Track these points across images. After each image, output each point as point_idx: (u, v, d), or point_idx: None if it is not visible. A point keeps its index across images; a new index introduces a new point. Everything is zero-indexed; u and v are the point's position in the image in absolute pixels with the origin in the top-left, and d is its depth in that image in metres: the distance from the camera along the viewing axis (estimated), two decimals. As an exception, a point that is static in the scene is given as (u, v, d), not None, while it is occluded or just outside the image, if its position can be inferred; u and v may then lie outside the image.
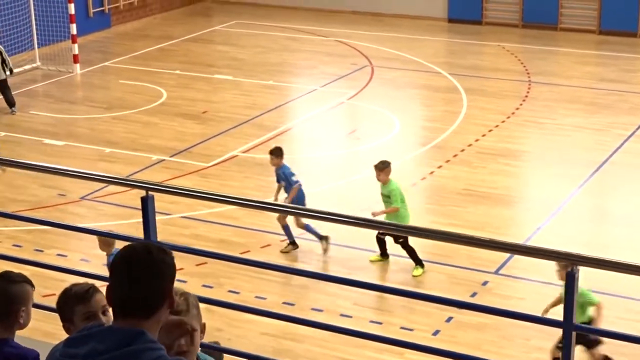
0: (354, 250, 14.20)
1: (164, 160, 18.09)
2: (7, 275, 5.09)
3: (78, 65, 24.48)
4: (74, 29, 24.49)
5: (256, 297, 12.79)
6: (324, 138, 19.38)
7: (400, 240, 13.50)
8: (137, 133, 19.63)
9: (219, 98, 21.97)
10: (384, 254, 13.97)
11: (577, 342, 5.66)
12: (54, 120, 20.72)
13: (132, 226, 14.56)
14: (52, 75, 24.18)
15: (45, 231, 14.69)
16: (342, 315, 12.35)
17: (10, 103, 21.21)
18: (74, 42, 24.44)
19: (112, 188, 16.27)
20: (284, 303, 12.54)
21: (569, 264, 4.89)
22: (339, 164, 18.03)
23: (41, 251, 14.12)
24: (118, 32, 28.66)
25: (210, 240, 14.57)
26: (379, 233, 13.72)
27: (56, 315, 7.02)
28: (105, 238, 12.33)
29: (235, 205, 13.98)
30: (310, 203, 14.72)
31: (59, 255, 14.12)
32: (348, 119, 20.93)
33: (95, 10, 28.08)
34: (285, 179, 14.51)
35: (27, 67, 24.54)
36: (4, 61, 21.04)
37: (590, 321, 10.51)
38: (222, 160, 17.98)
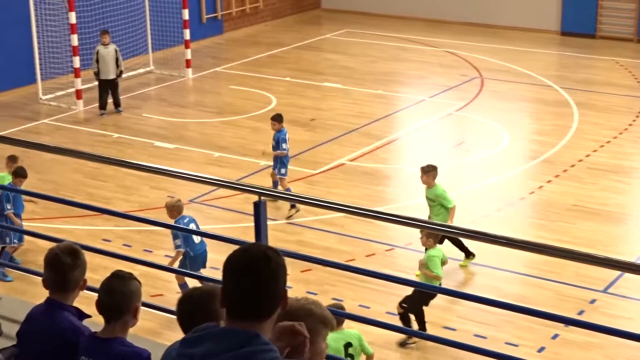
0: (459, 263, 14.08)
1: (271, 166, 18.20)
2: (121, 274, 5.17)
3: (190, 70, 24.87)
4: (187, 34, 24.89)
5: (360, 305, 12.78)
6: (431, 149, 19.28)
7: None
8: (245, 138, 19.83)
9: (328, 106, 22.05)
10: (469, 254, 13.91)
11: None
12: (165, 123, 21.07)
13: (238, 230, 14.70)
14: (164, 79, 24.61)
15: (154, 232, 14.94)
16: (445, 327, 12.26)
17: (117, 103, 21.73)
18: (187, 47, 24.84)
19: (220, 192, 16.47)
20: (388, 313, 12.49)
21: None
22: (446, 176, 17.87)
23: (150, 251, 14.36)
24: (230, 38, 29.01)
25: (315, 247, 14.62)
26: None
27: (162, 315, 7.11)
28: (178, 205, 12.59)
29: (343, 213, 14.02)
30: (416, 214, 14.64)
31: (166, 256, 14.32)
32: (456, 131, 20.79)
33: (208, 16, 28.48)
34: (277, 140, 16.06)
35: (141, 70, 25.03)
36: (117, 61, 21.52)
37: None
38: (329, 168, 18.03)
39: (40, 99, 22.72)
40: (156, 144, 19.61)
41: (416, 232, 13.93)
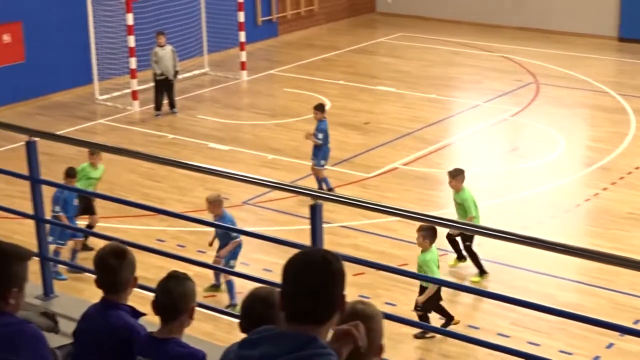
0: (514, 270, 13.97)
1: (325, 169, 18.21)
2: (177, 275, 5.19)
3: (245, 72, 24.98)
4: (242, 36, 25.01)
5: (412, 310, 12.72)
6: (485, 154, 19.18)
7: (467, 243, 13.72)
8: (299, 141, 19.82)
9: (382, 109, 22.02)
10: (461, 257, 14.08)
11: None
12: (219, 125, 21.18)
13: (291, 232, 14.71)
14: (219, 81, 24.74)
15: (208, 233, 14.97)
16: (499, 334, 12.17)
17: (172, 104, 21.89)
18: (242, 49, 24.96)
19: (273, 194, 16.50)
20: (441, 318, 12.43)
21: None
22: (500, 181, 17.79)
23: (203, 252, 14.41)
24: (284, 41, 29.09)
25: (369, 251, 14.59)
26: (449, 234, 13.89)
27: (214, 315, 7.12)
28: (219, 200, 13.07)
29: (397, 217, 14.00)
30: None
31: (218, 257, 14.35)
32: (510, 136, 20.65)
33: (263, 19, 28.58)
34: (318, 129, 16.63)
35: (196, 72, 25.18)
36: (174, 64, 21.69)
37: None
38: (382, 172, 18.00)
39: (97, 99, 22.96)
40: (210, 145, 19.71)
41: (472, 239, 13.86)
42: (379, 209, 6.03)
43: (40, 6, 22.71)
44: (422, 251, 12.25)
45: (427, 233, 12.31)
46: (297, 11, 29.81)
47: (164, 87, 21.73)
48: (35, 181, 7.39)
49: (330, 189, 16.58)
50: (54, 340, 6.02)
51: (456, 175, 14.00)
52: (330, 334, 3.71)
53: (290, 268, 3.61)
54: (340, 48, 28.02)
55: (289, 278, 3.59)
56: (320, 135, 16.70)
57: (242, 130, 20.92)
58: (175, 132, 20.65)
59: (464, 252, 13.94)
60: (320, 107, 17.09)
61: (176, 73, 21.90)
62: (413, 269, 13.53)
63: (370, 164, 18.41)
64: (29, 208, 8.01)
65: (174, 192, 17.19)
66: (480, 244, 13.93)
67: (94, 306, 5.49)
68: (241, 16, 24.99)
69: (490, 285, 13.63)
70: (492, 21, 30.29)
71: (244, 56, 24.98)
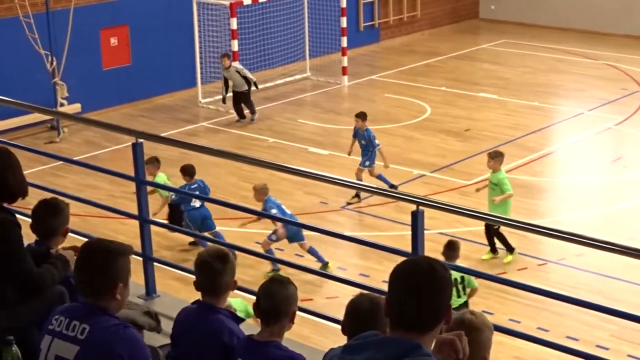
0: (616, 281, 13.74)
1: (424, 175, 18.20)
2: (280, 279, 5.23)
3: (346, 77, 25.06)
4: (344, 42, 25.11)
5: (509, 319, 12.63)
6: (588, 163, 18.89)
7: (496, 227, 14.51)
8: (399, 147, 19.83)
9: (483, 116, 21.85)
10: (494, 250, 14.78)
11: None
12: (320, 129, 21.29)
13: (390, 238, 14.72)
14: (320, 86, 24.87)
15: (306, 236, 15.07)
16: (597, 346, 11.98)
17: (252, 111, 21.95)
18: (343, 54, 25.06)
19: (372, 199, 16.52)
20: (538, 328, 12.30)
21: None
22: (601, 191, 17.52)
23: (301, 256, 14.51)
24: (386, 46, 29.09)
25: (467, 258, 14.48)
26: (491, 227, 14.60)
27: (311, 319, 7.19)
28: (264, 188, 14.06)
29: (498, 224, 13.90)
30: (570, 228, 14.36)
31: (317, 261, 14.46)
32: (614, 146, 20.31)
33: (365, 24, 28.63)
34: (369, 140, 17.22)
35: (298, 77, 25.36)
36: (245, 77, 21.74)
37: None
38: (482, 179, 17.83)
39: (200, 102, 23.29)
40: (310, 149, 19.83)
41: (571, 247, 13.66)
42: (479, 217, 6.01)
43: (146, 10, 23.15)
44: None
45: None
46: (400, 17, 29.78)
47: (239, 98, 21.84)
48: (140, 182, 7.54)
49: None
50: (156, 340, 6.14)
51: (495, 157, 14.92)
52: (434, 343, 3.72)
53: (397, 275, 3.63)
54: (442, 54, 27.91)
55: (396, 285, 3.61)
56: (377, 141, 17.33)
57: (342, 135, 20.95)
58: (275, 136, 20.83)
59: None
60: (362, 116, 17.59)
61: (253, 84, 21.91)
62: (511, 276, 13.44)
63: (470, 171, 18.29)
64: (131, 208, 8.18)
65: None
66: (582, 254, 13.75)
67: (192, 309, 5.53)
68: (344, 21, 25.10)
69: (590, 297, 13.42)
70: (597, 28, 29.79)
71: (345, 61, 25.07)
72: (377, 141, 17.30)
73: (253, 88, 21.95)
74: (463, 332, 3.76)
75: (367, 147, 17.28)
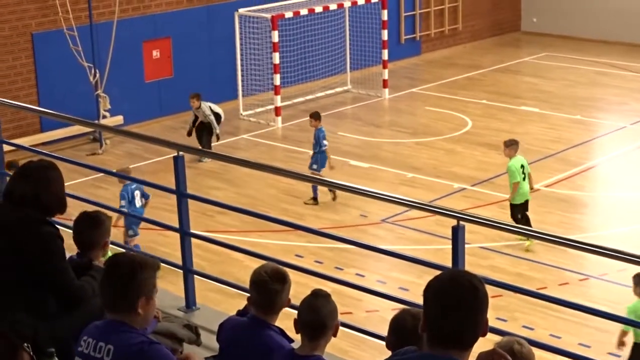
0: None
1: (464, 189, 18.13)
2: (322, 293, 5.13)
3: (387, 90, 25.06)
4: (385, 54, 25.12)
5: (550, 335, 12.54)
6: (630, 177, 18.72)
7: (512, 214, 15.75)
8: (439, 160, 19.79)
9: (524, 130, 21.72)
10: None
11: None
12: (360, 142, 21.28)
13: (429, 252, 14.68)
14: (361, 99, 24.87)
15: (346, 250, 15.09)
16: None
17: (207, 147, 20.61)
18: (384, 67, 25.06)
19: (412, 213, 16.47)
20: (580, 344, 12.20)
21: None
22: (644, 206, 17.36)
23: (341, 269, 14.51)
24: (427, 59, 29.04)
25: (506, 272, 14.44)
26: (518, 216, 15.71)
27: (350, 333, 7.19)
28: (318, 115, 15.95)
29: (536, 239, 13.80)
30: (612, 244, 14.24)
31: (357, 274, 14.46)
32: (657, 160, 20.13)
33: (407, 37, 28.60)
34: (317, 139, 17.68)
35: (338, 89, 25.39)
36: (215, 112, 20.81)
37: None
38: (523, 193, 17.74)
39: (241, 114, 23.38)
40: (351, 162, 19.82)
41: (612, 263, 13.51)
42: (519, 232, 5.98)
43: (188, 23, 23.30)
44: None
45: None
46: (441, 30, 29.73)
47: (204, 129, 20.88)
48: (181, 195, 7.58)
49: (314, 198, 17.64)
50: (196, 353, 6.16)
51: (510, 145, 15.91)
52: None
53: (436, 291, 3.61)
54: (484, 67, 27.82)
55: (434, 300, 3.60)
56: (325, 142, 17.87)
57: (383, 148, 20.97)
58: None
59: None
60: (315, 115, 18.03)
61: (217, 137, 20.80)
62: (552, 292, 13.34)
63: (511, 184, 18.18)
64: (172, 220, 8.22)
65: (312, 208, 17.35)
66: (625, 269, 13.61)
67: (242, 322, 5.49)
68: (385, 34, 25.10)
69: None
70: (639, 41, 29.54)
71: (386, 74, 25.06)
72: (325, 142, 17.83)
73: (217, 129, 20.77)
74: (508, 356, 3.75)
75: (314, 147, 17.89)
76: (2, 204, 5.77)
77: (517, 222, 15.13)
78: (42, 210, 5.64)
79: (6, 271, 5.49)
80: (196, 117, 20.78)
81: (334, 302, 5.16)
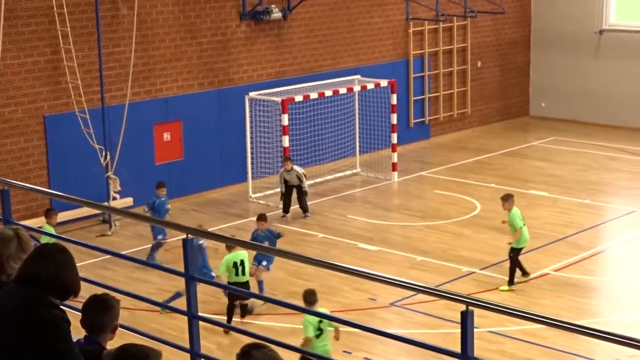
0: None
1: (474, 272, 18.07)
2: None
3: (396, 173, 25.14)
4: (394, 138, 25.25)
5: None
6: (639, 262, 18.68)
7: (512, 255, 17.10)
8: (448, 243, 19.77)
9: (534, 214, 21.69)
10: (525, 272, 17.35)
11: None
12: (369, 225, 21.28)
13: (438, 336, 14.58)
14: (370, 182, 24.94)
15: (354, 333, 14.99)
16: None
17: (304, 209, 22.01)
18: (393, 150, 25.18)
19: (421, 297, 16.39)
20: None
21: None
22: (656, 290, 17.26)
23: (349, 353, 14.41)
24: (436, 142, 29.18)
25: (516, 357, 14.33)
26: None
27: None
28: None
29: (544, 325, 13.67)
30: (622, 330, 14.14)
31: (365, 358, 14.35)
32: (668, 244, 20.07)
33: (416, 121, 28.78)
34: (272, 237, 17.49)
35: (348, 172, 25.48)
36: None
37: None
38: (533, 278, 17.68)
39: (250, 197, 23.43)
40: (360, 245, 19.80)
41: (623, 349, 13.39)
42: (529, 318, 5.94)
43: (199, 106, 23.51)
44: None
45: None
46: (450, 114, 29.92)
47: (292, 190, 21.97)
48: (190, 278, 7.56)
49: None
50: None
51: (507, 199, 17.50)
52: None
53: None
54: (493, 151, 27.93)
55: None
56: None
57: (392, 231, 20.97)
58: (325, 232, 20.85)
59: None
60: (262, 217, 17.83)
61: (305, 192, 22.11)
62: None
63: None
64: (180, 303, 8.21)
65: (322, 290, 17.21)
66: (635, 355, 13.48)
67: None
68: (394, 118, 25.27)
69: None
70: (649, 126, 29.69)
71: (395, 157, 25.18)
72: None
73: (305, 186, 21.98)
74: None
75: (271, 242, 17.28)
76: (10, 287, 5.77)
77: (514, 263, 17.07)
78: (59, 292, 5.65)
79: (13, 356, 5.47)
80: (285, 180, 21.71)
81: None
